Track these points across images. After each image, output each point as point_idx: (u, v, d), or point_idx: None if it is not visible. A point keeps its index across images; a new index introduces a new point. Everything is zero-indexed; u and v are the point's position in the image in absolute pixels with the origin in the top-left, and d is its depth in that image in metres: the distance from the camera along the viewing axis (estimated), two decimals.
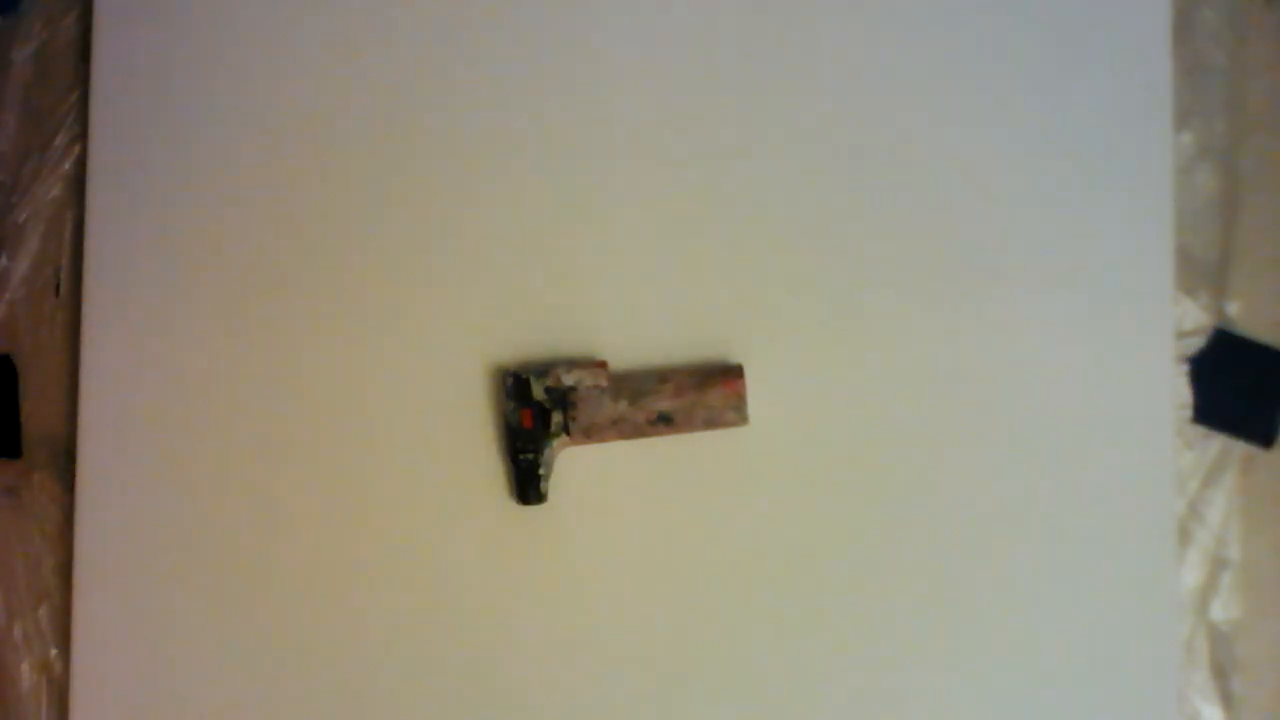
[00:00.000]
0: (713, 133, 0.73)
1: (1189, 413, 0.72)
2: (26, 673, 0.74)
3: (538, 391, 0.70)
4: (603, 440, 0.70)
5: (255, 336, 0.73)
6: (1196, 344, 0.72)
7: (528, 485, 0.70)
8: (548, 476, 0.70)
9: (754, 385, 0.72)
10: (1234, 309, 0.73)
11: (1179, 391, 0.72)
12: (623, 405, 0.69)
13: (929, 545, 0.71)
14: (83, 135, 0.76)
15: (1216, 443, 0.72)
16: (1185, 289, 0.73)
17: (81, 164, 0.76)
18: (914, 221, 0.72)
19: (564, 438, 0.70)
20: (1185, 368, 0.72)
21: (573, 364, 0.70)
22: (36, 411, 0.75)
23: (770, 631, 0.71)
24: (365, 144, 0.74)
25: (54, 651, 0.74)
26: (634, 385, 0.70)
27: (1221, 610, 0.71)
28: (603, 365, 0.70)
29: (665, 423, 0.70)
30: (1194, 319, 0.73)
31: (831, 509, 0.71)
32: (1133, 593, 0.70)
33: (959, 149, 0.73)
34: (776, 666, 0.70)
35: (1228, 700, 0.70)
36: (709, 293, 0.72)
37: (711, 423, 0.70)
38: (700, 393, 0.70)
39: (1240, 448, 0.72)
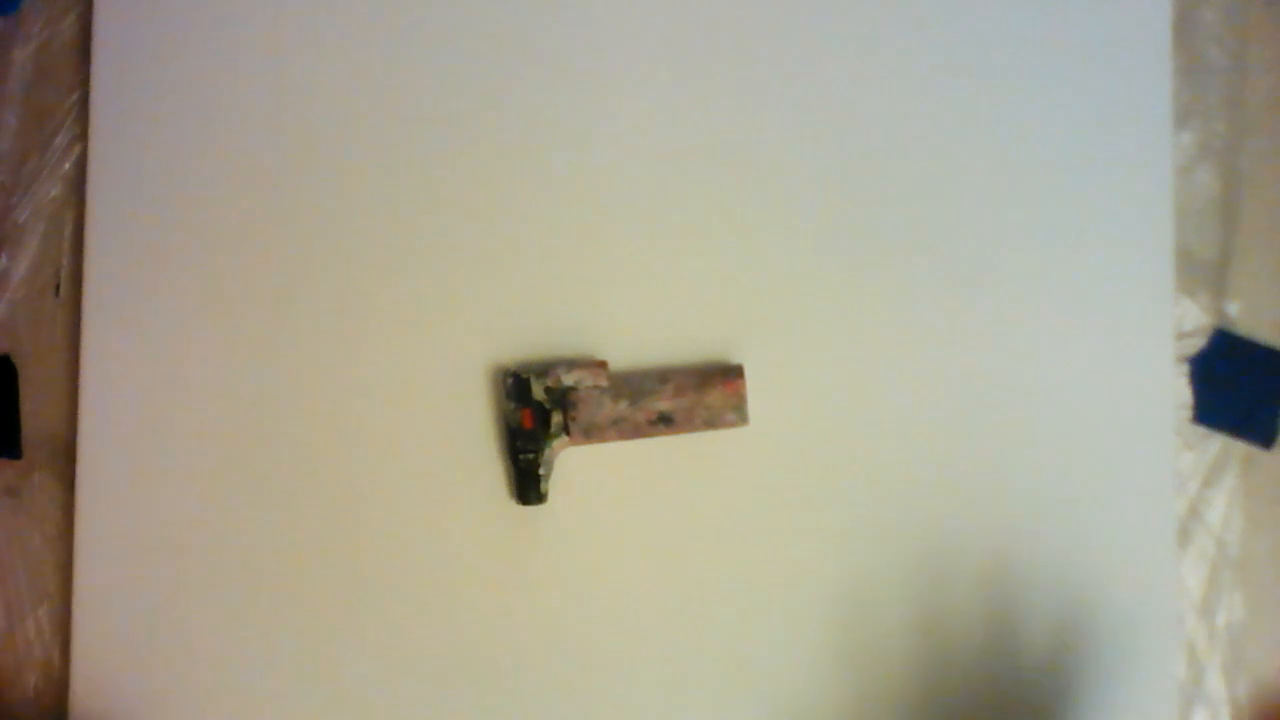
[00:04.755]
0: (713, 132, 0.73)
1: (1189, 413, 0.72)
2: (26, 673, 0.74)
3: (538, 391, 0.70)
4: (603, 440, 0.70)
5: (255, 336, 0.73)
6: (1196, 344, 0.72)
7: (528, 485, 0.70)
8: (548, 476, 0.70)
9: (754, 385, 0.72)
10: (1234, 309, 0.73)
11: (1179, 391, 0.72)
12: (623, 405, 0.69)
13: (929, 546, 0.71)
14: (83, 135, 0.76)
15: (1216, 443, 0.72)
16: (1185, 289, 0.73)
17: (81, 164, 0.76)
18: (913, 221, 0.72)
19: (564, 438, 0.70)
20: (1185, 368, 0.72)
21: (573, 364, 0.70)
22: (36, 411, 0.75)
23: (771, 631, 0.71)
24: (365, 144, 0.74)
25: (54, 651, 0.74)
26: (634, 385, 0.70)
27: (1221, 610, 0.71)
28: (603, 365, 0.70)
29: (665, 423, 0.70)
30: (1194, 319, 0.73)
31: (832, 509, 0.71)
32: (1133, 593, 0.70)
33: (958, 149, 0.73)
34: (777, 666, 0.70)
35: (1228, 700, 0.70)
36: (709, 293, 0.72)
37: (711, 423, 0.70)
38: (700, 393, 0.69)
39: (1240, 448, 0.72)
